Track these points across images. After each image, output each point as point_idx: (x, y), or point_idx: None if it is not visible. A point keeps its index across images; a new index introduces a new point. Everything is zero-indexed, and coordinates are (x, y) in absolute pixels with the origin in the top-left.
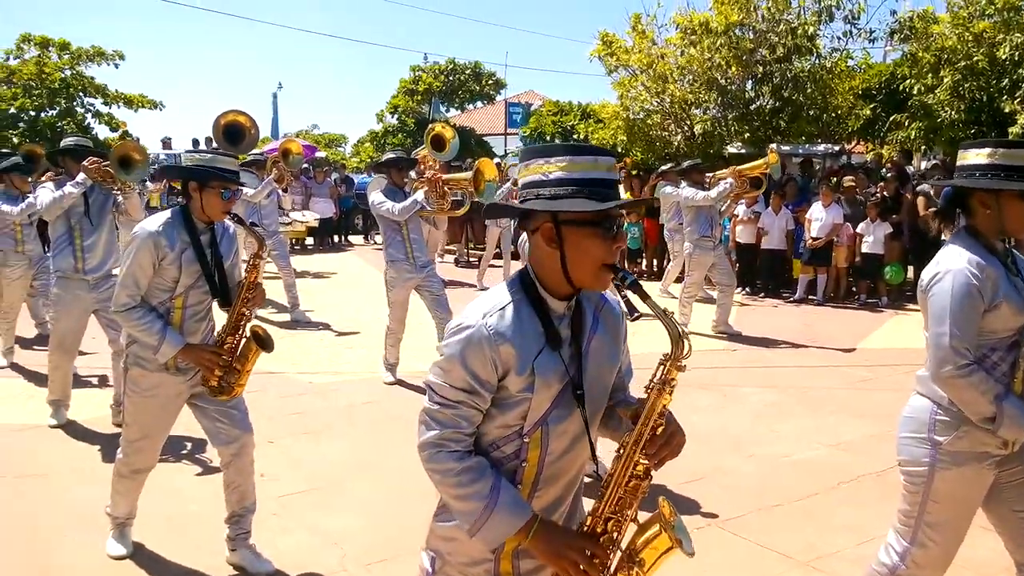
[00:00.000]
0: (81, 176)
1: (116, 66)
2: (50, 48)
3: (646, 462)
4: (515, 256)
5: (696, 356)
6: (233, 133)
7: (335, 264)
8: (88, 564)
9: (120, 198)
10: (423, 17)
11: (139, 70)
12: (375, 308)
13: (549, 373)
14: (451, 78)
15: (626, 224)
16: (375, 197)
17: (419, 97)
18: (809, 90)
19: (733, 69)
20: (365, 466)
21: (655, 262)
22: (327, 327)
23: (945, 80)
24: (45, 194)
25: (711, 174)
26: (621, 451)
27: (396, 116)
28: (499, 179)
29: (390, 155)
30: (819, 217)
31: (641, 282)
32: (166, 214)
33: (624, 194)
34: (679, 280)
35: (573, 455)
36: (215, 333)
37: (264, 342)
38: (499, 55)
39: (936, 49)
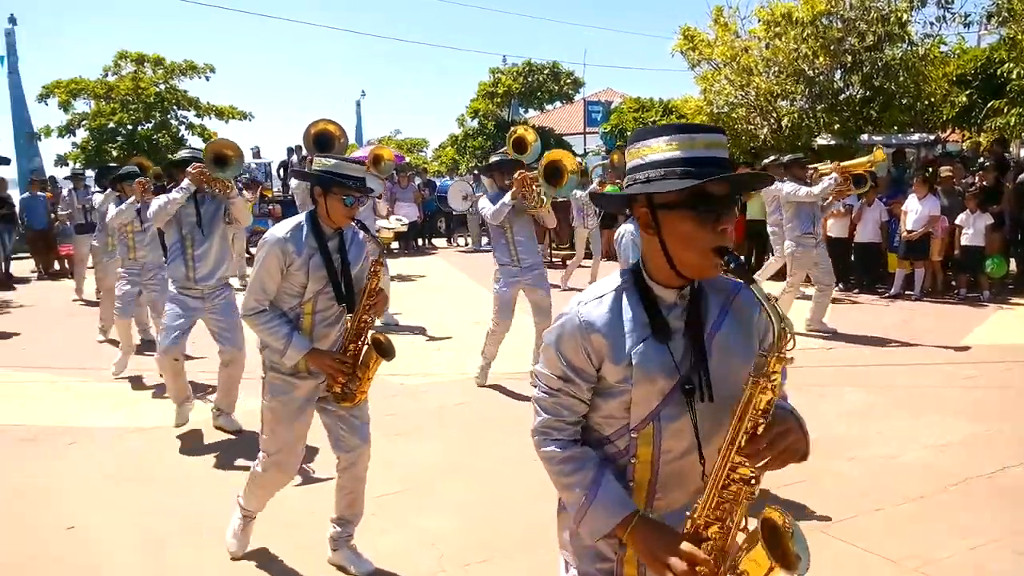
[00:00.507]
0: (185, 182)
1: (207, 79)
2: (145, 64)
3: (747, 466)
4: (611, 256)
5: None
6: (323, 141)
7: (420, 267)
8: (195, 564)
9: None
10: (501, 20)
11: (229, 82)
12: (461, 311)
13: (652, 365)
14: (529, 79)
15: None
16: (481, 202)
17: (498, 100)
18: (901, 78)
19: (820, 59)
20: (458, 467)
21: (742, 258)
22: (415, 330)
23: None
24: (155, 203)
25: (813, 167)
26: (718, 451)
27: (476, 119)
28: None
29: (495, 158)
30: (915, 209)
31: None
32: (296, 219)
33: None
34: (776, 278)
35: (695, 459)
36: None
37: (385, 350)
38: (577, 54)
39: None
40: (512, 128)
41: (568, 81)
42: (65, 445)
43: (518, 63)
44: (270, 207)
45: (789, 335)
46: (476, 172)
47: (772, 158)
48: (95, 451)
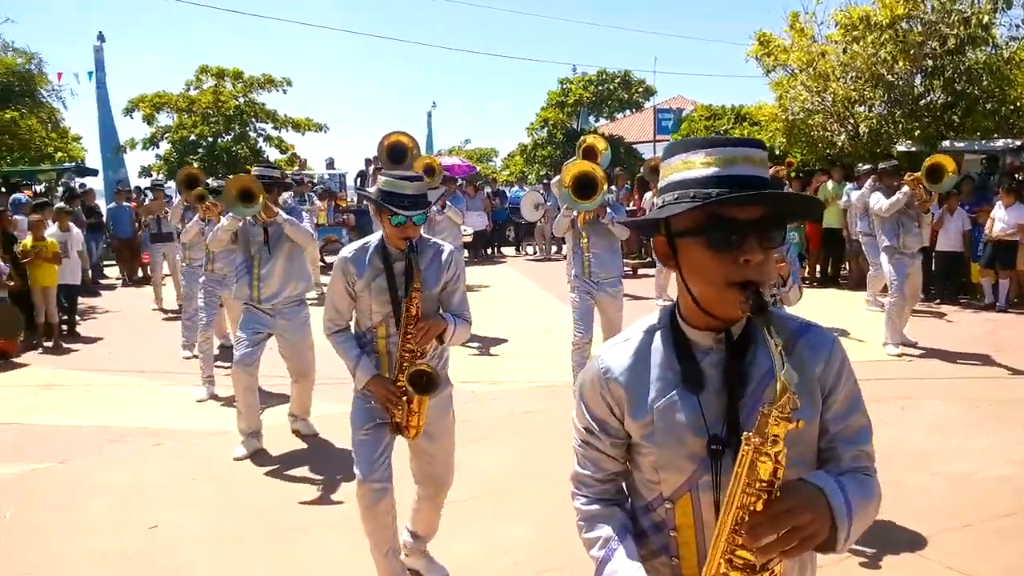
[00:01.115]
0: (227, 219)
1: (284, 92)
2: (225, 78)
3: (745, 551)
4: None
5: (871, 366)
6: (396, 153)
7: (489, 276)
8: (275, 563)
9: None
10: (571, 29)
11: (305, 94)
12: (530, 319)
13: (677, 421)
14: (600, 88)
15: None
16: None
17: (568, 109)
18: (985, 82)
19: (900, 63)
20: (529, 474)
21: (817, 268)
22: (484, 338)
23: None
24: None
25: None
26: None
27: (545, 129)
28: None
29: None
30: (1001, 218)
31: (810, 290)
32: (368, 238)
33: None
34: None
35: None
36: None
37: (422, 385)
38: (647, 62)
39: None
40: (582, 137)
41: (639, 89)
42: (150, 447)
43: (588, 72)
44: (343, 217)
45: (790, 393)
46: (546, 182)
47: (866, 167)
48: (178, 453)
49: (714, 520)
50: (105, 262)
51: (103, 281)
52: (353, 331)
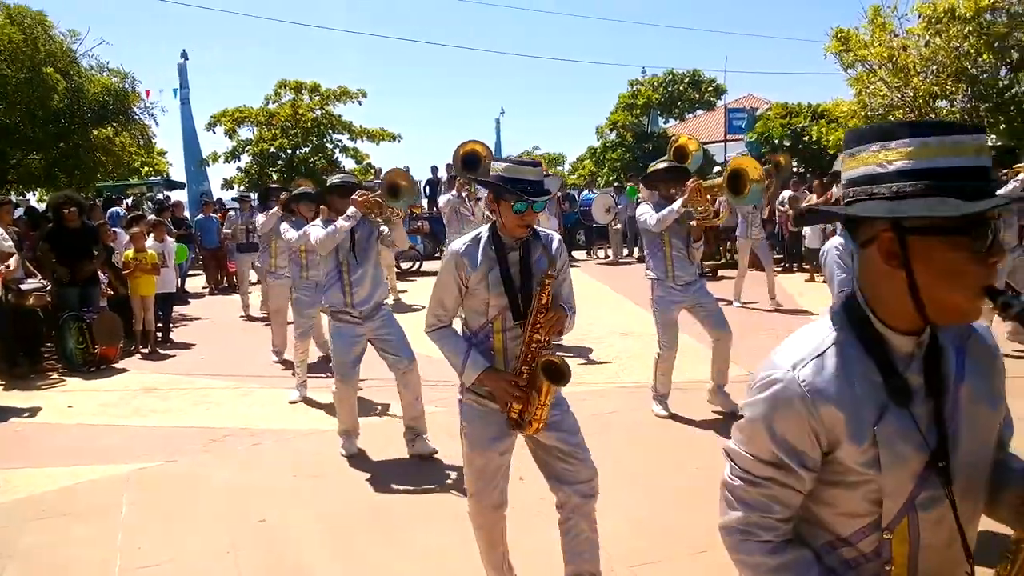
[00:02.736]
0: (352, 210)
1: (359, 103)
2: (303, 91)
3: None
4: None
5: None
6: (470, 161)
7: None
8: (382, 552)
9: (386, 229)
10: (640, 31)
11: (379, 104)
12: (606, 320)
13: (899, 441)
14: (670, 89)
15: None
16: (640, 208)
17: (638, 111)
18: None
19: (984, 56)
20: (619, 472)
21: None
22: (562, 342)
23: None
24: (316, 231)
25: (1004, 171)
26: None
27: (614, 132)
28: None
29: (660, 166)
30: None
31: None
32: (479, 230)
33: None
34: None
35: (958, 550)
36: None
37: (556, 374)
38: (717, 62)
39: None
40: (673, 136)
41: (710, 89)
42: (250, 446)
43: (658, 73)
44: (418, 224)
45: None
46: (617, 184)
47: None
48: (278, 451)
49: (939, 540)
50: (191, 272)
51: (190, 290)
52: (461, 332)
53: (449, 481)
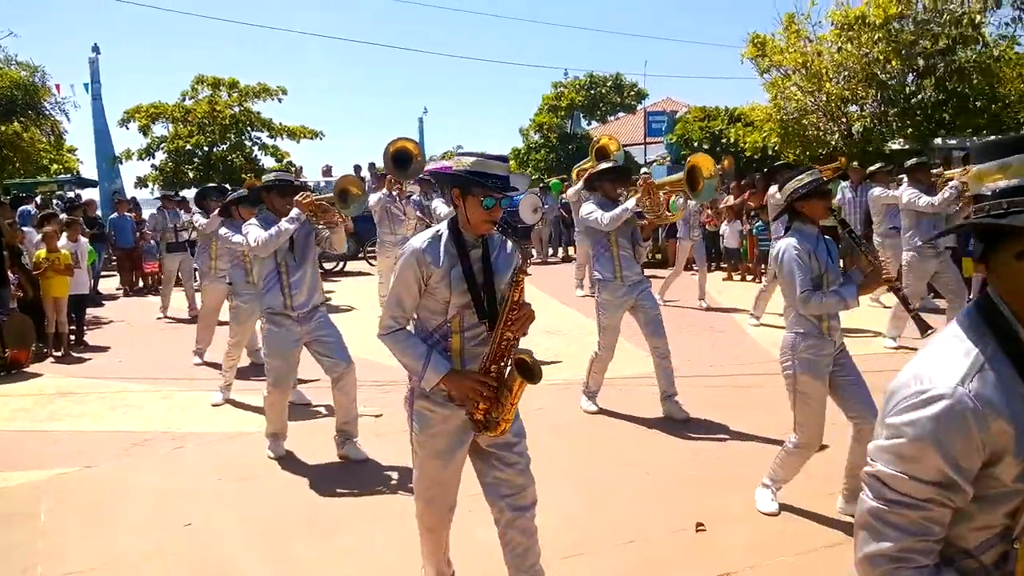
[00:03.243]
0: (295, 211)
1: (279, 100)
2: (221, 87)
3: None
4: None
5: (871, 360)
6: (401, 159)
7: None
8: (316, 555)
9: (326, 232)
10: (563, 33)
11: (300, 102)
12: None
13: None
14: (592, 91)
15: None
16: (585, 207)
17: (562, 113)
18: (975, 81)
19: (893, 63)
20: (546, 467)
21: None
22: None
23: None
24: (256, 231)
25: (937, 172)
26: None
27: (540, 133)
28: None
29: (603, 166)
30: None
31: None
32: (437, 227)
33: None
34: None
35: None
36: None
37: (530, 372)
38: (637, 66)
39: None
40: (595, 137)
41: (631, 93)
42: (172, 449)
43: (580, 76)
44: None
45: None
46: (543, 184)
47: (879, 165)
48: (202, 454)
49: None
50: (104, 273)
51: (104, 292)
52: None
53: (380, 482)
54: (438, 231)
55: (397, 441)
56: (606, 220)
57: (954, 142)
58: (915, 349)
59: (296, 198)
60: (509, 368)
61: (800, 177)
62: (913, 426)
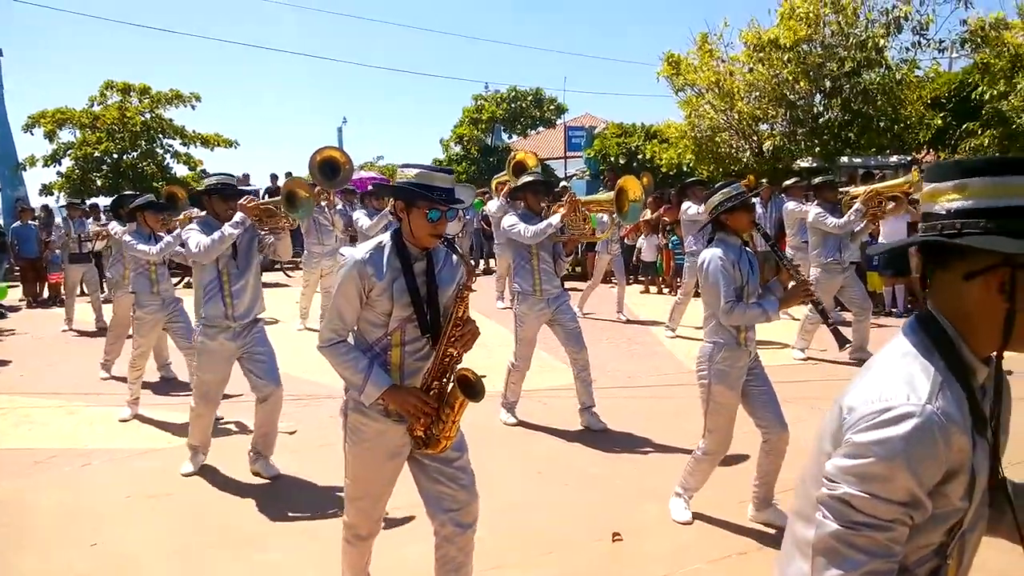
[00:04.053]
0: (240, 216)
1: (193, 108)
2: (131, 93)
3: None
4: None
5: (782, 370)
6: (329, 168)
7: None
8: (229, 572)
9: (270, 239)
10: (484, 47)
11: (214, 110)
12: None
13: (982, 470)
14: (513, 105)
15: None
16: (508, 220)
17: (483, 125)
18: (879, 102)
19: (801, 84)
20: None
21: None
22: None
23: (1019, 86)
24: (197, 236)
25: (845, 190)
26: None
27: (460, 145)
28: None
29: (527, 178)
30: (890, 226)
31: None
32: (379, 239)
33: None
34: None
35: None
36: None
37: (472, 390)
38: (557, 81)
39: (1010, 56)
40: (512, 152)
41: (551, 107)
42: (80, 467)
43: (502, 90)
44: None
45: None
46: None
47: (793, 180)
48: (111, 471)
49: (971, 558)
50: (5, 283)
51: (5, 303)
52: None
53: (295, 498)
54: (380, 242)
55: (311, 457)
56: (529, 234)
57: (859, 160)
58: (823, 361)
59: (241, 201)
60: (451, 385)
61: (727, 190)
62: (882, 445)
